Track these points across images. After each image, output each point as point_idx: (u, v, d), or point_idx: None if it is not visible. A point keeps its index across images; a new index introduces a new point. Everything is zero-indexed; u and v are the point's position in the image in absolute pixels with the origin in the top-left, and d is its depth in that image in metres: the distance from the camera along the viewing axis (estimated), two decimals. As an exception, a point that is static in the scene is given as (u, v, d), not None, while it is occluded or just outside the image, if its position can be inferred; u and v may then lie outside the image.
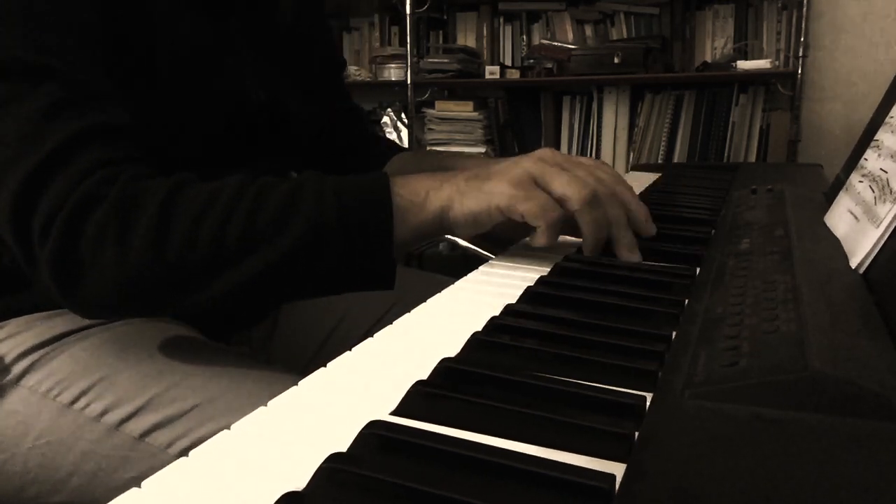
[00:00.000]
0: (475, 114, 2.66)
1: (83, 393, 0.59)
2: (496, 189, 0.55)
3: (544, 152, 0.58)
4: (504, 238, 0.65)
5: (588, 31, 2.61)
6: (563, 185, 0.56)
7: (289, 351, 0.84)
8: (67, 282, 0.53)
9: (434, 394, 0.35)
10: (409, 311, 0.49)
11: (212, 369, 0.60)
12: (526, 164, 0.56)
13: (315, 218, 0.53)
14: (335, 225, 0.53)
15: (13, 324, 0.65)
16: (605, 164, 0.72)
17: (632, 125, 2.52)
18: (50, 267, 0.52)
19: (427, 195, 0.56)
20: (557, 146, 2.60)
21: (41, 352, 0.62)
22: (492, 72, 2.57)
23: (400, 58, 2.69)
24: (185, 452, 0.30)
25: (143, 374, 0.59)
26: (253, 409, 0.34)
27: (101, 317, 0.62)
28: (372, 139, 1.02)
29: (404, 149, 0.99)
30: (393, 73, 2.70)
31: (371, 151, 0.97)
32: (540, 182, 0.56)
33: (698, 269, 0.55)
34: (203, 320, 0.70)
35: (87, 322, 0.65)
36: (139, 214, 0.52)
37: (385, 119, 2.77)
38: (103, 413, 0.58)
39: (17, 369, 0.61)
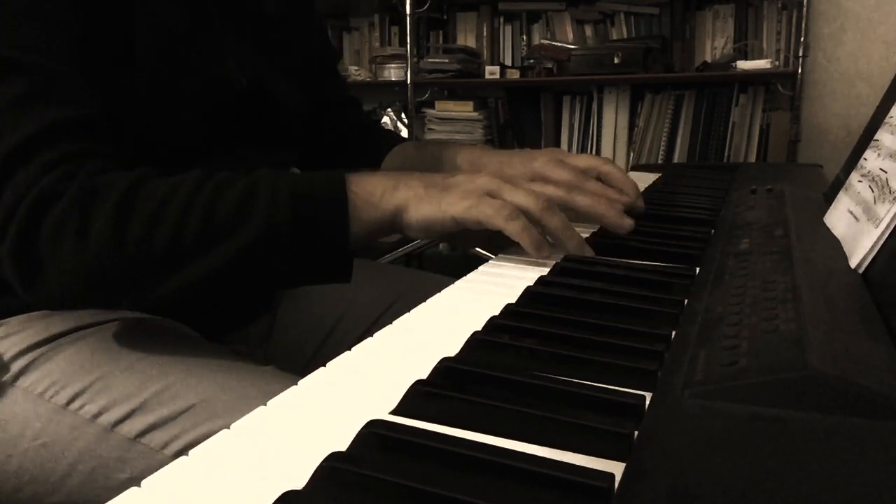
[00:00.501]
0: (475, 114, 2.66)
1: (78, 394, 0.59)
2: (452, 200, 0.57)
3: (498, 173, 0.61)
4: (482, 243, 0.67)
5: (588, 31, 2.61)
6: (517, 196, 0.58)
7: (287, 351, 0.84)
8: (27, 275, 0.54)
9: (434, 393, 0.35)
10: (409, 311, 0.49)
11: (207, 369, 0.60)
12: (482, 181, 0.58)
13: (270, 215, 0.54)
14: (290, 221, 0.54)
15: (9, 323, 0.65)
16: (574, 157, 0.73)
17: (632, 125, 2.52)
18: (10, 261, 0.53)
19: (383, 194, 0.57)
20: (557, 146, 2.60)
21: (37, 352, 0.62)
22: (492, 72, 2.57)
23: (400, 58, 2.68)
24: (180, 453, 0.30)
25: (139, 375, 0.59)
26: (249, 410, 0.34)
27: (62, 308, 0.63)
28: (370, 129, 1.01)
29: (404, 139, 0.98)
30: (393, 73, 2.70)
31: (369, 141, 0.96)
32: (495, 195, 0.58)
33: (698, 269, 0.55)
34: (198, 318, 0.70)
35: (82, 322, 0.64)
36: (98, 208, 0.53)
37: (385, 119, 2.77)
38: (98, 414, 0.58)
39: (13, 369, 0.61)
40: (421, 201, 0.57)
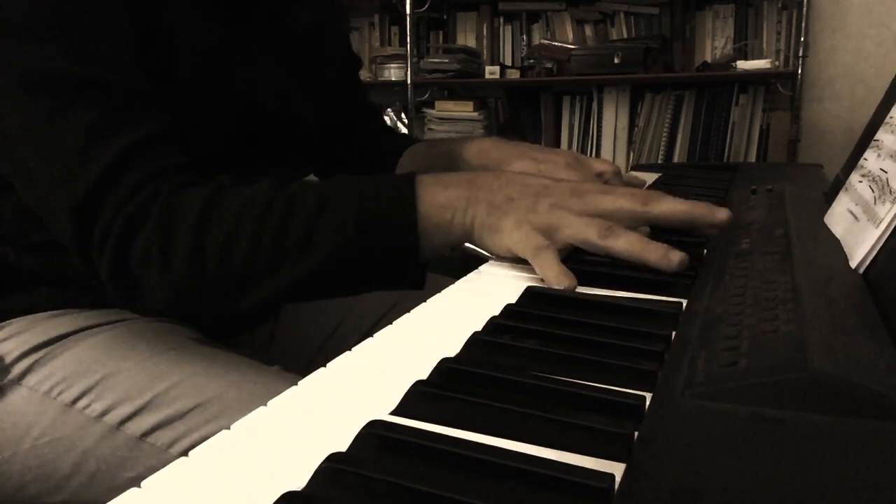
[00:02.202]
0: (475, 114, 2.66)
1: (84, 393, 0.59)
2: (509, 228, 0.56)
3: (560, 196, 0.56)
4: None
5: (588, 31, 2.61)
6: (577, 233, 0.55)
7: (290, 351, 0.84)
8: (126, 295, 0.57)
9: (434, 394, 0.35)
10: (409, 311, 0.49)
11: (212, 369, 0.60)
12: (544, 212, 0.55)
13: (338, 244, 0.55)
14: (358, 246, 0.55)
15: (14, 324, 0.65)
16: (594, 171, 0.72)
17: (632, 125, 2.52)
18: (110, 283, 0.57)
19: (454, 216, 0.57)
20: (557, 146, 2.60)
21: (43, 352, 0.62)
22: (492, 72, 2.57)
23: (400, 58, 2.69)
24: (185, 452, 0.30)
25: (144, 374, 0.59)
26: (254, 409, 0.34)
27: (162, 315, 0.68)
28: (386, 135, 1.02)
29: (415, 140, 0.99)
30: (393, 73, 2.70)
31: (384, 148, 0.97)
32: (550, 232, 0.55)
33: (698, 269, 0.55)
34: (205, 322, 0.70)
35: (87, 322, 0.65)
36: (177, 234, 0.55)
37: (385, 119, 2.77)
38: (104, 413, 0.58)
39: (18, 369, 0.61)
40: (484, 230, 0.57)
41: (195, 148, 0.68)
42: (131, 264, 0.56)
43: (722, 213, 0.57)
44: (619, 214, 0.55)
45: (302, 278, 0.56)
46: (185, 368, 0.60)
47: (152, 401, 0.58)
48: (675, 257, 0.53)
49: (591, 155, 2.55)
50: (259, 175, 0.61)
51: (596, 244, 0.54)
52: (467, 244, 0.60)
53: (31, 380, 0.61)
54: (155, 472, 0.29)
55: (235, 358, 0.64)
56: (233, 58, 0.71)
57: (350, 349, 0.42)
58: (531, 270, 0.57)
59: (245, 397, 0.57)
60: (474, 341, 0.42)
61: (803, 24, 2.22)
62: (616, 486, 0.27)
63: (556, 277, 0.52)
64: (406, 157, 0.93)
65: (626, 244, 0.53)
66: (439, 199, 0.56)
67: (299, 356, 0.84)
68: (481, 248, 0.58)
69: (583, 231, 0.54)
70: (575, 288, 0.52)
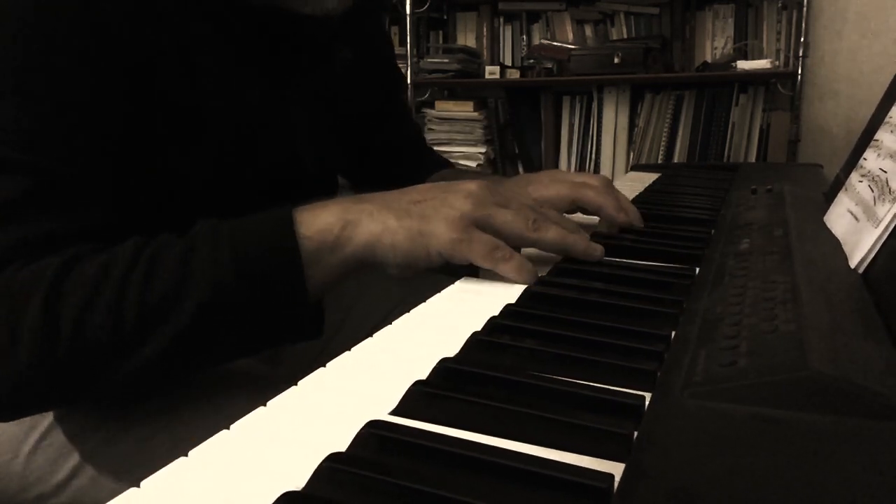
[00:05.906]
0: (475, 114, 2.65)
1: None
2: (436, 232, 0.51)
3: (472, 188, 0.54)
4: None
5: (588, 31, 2.61)
6: (507, 223, 0.54)
7: (292, 354, 0.84)
8: None
9: (433, 394, 0.35)
10: (408, 312, 0.49)
11: (214, 375, 0.60)
12: (464, 207, 0.52)
13: (213, 282, 0.49)
14: (236, 285, 0.49)
15: None
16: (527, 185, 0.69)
17: (632, 125, 2.52)
18: None
19: (342, 230, 0.51)
20: (557, 146, 2.60)
21: None
22: (492, 72, 2.57)
23: (400, 58, 2.68)
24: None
25: None
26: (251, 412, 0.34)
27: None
28: (418, 162, 0.97)
29: (443, 166, 0.95)
30: (393, 73, 2.70)
31: (415, 174, 0.93)
32: (480, 224, 0.53)
33: (698, 269, 0.55)
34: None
35: None
36: (22, 310, 0.48)
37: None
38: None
39: None
40: (395, 235, 0.51)
41: (227, 203, 0.60)
42: None
43: (596, 252, 0.58)
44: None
45: (177, 336, 0.48)
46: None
47: (152, 405, 0.58)
48: (597, 250, 0.58)
49: (591, 155, 2.54)
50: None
51: (526, 236, 0.55)
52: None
53: None
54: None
55: (238, 363, 0.63)
56: (268, 117, 0.66)
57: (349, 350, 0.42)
58: (531, 270, 0.58)
59: (242, 401, 0.57)
60: (474, 341, 0.42)
61: (803, 24, 2.22)
62: (615, 486, 0.27)
63: (527, 278, 0.53)
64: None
65: (556, 236, 0.56)
66: (319, 220, 0.51)
67: (300, 359, 0.83)
68: (392, 260, 0.51)
69: (511, 222, 0.54)
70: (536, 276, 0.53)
